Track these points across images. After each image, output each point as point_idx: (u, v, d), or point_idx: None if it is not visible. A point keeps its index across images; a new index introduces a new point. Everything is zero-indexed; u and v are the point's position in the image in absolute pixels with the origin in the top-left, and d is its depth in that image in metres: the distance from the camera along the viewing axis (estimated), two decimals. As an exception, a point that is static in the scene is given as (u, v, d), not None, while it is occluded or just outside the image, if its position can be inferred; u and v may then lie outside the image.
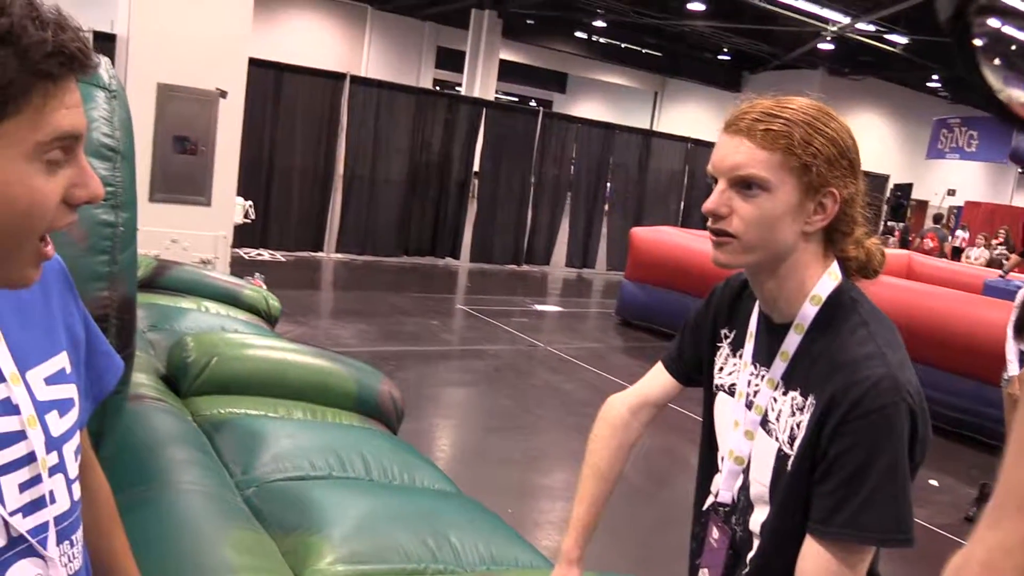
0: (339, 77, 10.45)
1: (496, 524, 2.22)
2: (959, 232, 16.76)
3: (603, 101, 25.25)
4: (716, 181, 1.17)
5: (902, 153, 20.91)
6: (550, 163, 12.37)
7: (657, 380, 1.45)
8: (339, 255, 10.74)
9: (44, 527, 0.79)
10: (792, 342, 1.19)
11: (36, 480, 0.79)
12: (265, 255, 9.92)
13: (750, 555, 1.23)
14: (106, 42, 6.43)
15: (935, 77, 18.99)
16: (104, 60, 1.73)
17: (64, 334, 0.88)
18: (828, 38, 15.73)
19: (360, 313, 7.74)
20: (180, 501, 1.80)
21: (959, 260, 13.21)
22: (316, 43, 17.80)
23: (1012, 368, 3.97)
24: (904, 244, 14.58)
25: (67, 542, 0.84)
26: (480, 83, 17.58)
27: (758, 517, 1.22)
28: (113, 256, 1.53)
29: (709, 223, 1.17)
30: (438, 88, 16.66)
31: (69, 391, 0.86)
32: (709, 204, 1.16)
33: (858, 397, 1.07)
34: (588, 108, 23.84)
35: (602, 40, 20.41)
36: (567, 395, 5.98)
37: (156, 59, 5.84)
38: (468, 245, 11.85)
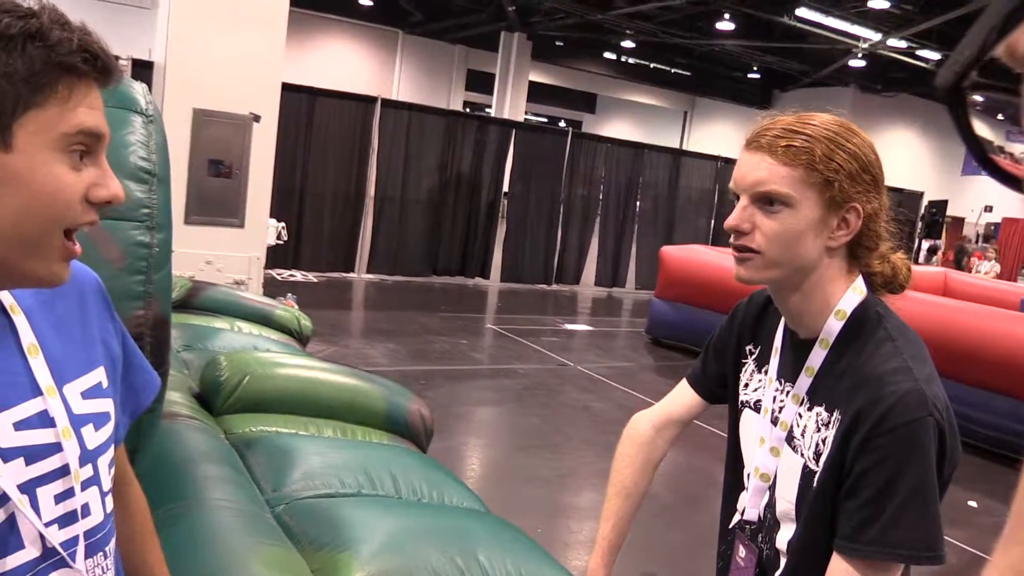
0: (370, 100, 10.59)
1: (525, 543, 2.22)
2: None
3: (633, 121, 25.27)
4: (738, 197, 1.18)
5: (937, 170, 20.63)
6: (579, 183, 12.40)
7: (682, 397, 1.45)
8: (370, 275, 10.82)
9: (75, 540, 0.81)
10: (817, 357, 1.19)
11: (69, 493, 0.81)
12: (297, 276, 10.03)
13: (777, 574, 1.22)
14: (144, 69, 6.59)
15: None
16: (142, 86, 1.78)
17: (102, 350, 0.91)
18: (859, 55, 15.62)
19: (390, 333, 7.79)
20: (212, 517, 1.83)
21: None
22: (348, 67, 18.05)
23: None
24: (959, 265, 14.16)
25: (100, 554, 0.86)
26: (510, 105, 17.70)
27: (784, 535, 1.21)
28: (148, 276, 1.57)
29: (732, 239, 1.18)
30: (468, 110, 16.79)
31: (106, 405, 0.89)
32: (731, 220, 1.17)
33: (884, 412, 1.06)
34: (618, 128, 23.86)
35: (631, 61, 20.46)
36: (597, 414, 5.95)
37: (192, 85, 5.97)
38: (498, 265, 11.89)
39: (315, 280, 10.14)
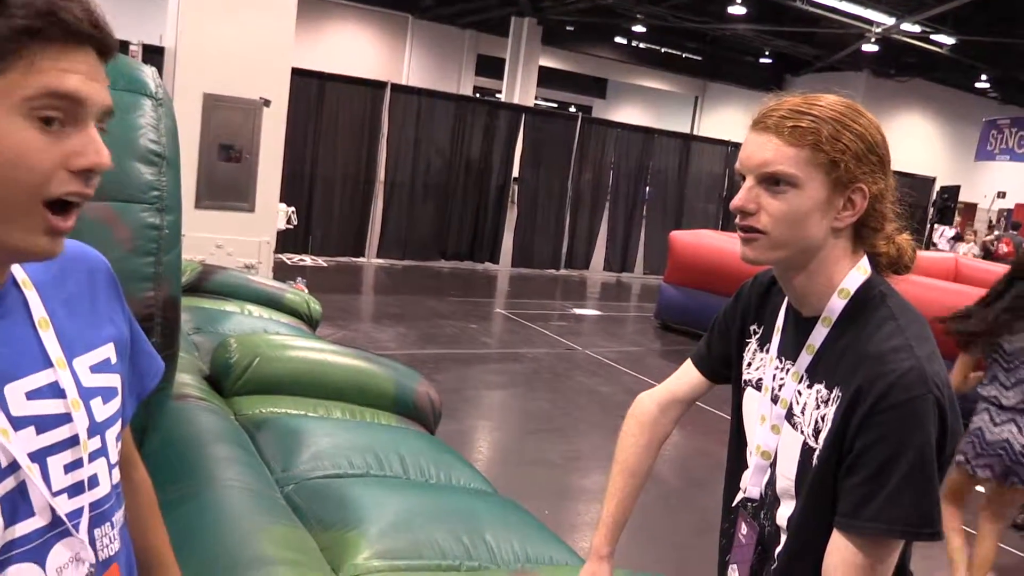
0: (380, 85, 10.59)
1: (531, 523, 2.24)
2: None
3: (643, 106, 25.14)
4: (744, 178, 1.18)
5: (949, 155, 20.47)
6: (589, 168, 12.38)
7: (686, 377, 1.46)
8: (380, 260, 10.85)
9: (80, 511, 0.83)
10: (819, 335, 1.19)
11: (78, 463, 0.83)
12: (307, 260, 10.07)
13: (778, 550, 1.23)
14: (155, 55, 6.60)
15: (984, 77, 18.56)
16: (151, 70, 1.79)
17: (110, 328, 0.93)
18: (872, 39, 15.45)
19: (399, 317, 7.82)
20: (221, 496, 1.85)
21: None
22: (358, 52, 18.01)
23: None
24: (988, 255, 13.92)
25: (108, 524, 0.87)
26: (520, 90, 17.62)
27: (784, 511, 1.22)
28: (158, 258, 1.59)
29: (737, 220, 1.18)
30: (478, 95, 16.75)
31: (113, 380, 0.90)
32: (737, 201, 1.17)
33: (885, 389, 1.07)
34: (628, 113, 23.75)
35: (642, 45, 20.33)
36: (605, 398, 5.97)
37: (202, 70, 5.99)
38: (508, 250, 11.90)
39: (325, 264, 10.17)
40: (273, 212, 6.51)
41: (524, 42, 17.67)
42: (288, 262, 9.57)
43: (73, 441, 0.82)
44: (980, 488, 4.75)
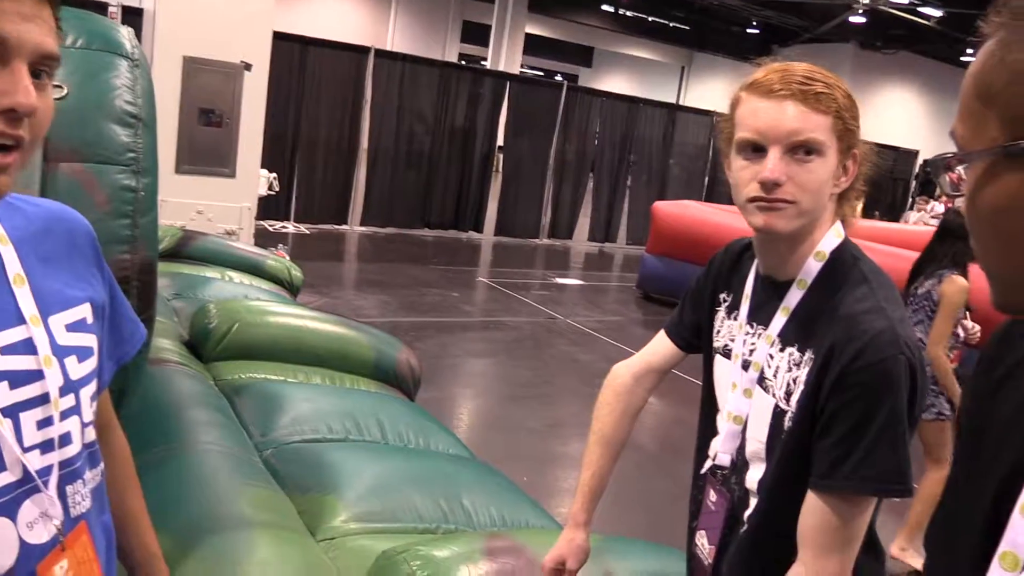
0: (363, 51, 10.46)
1: (508, 488, 2.27)
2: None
3: (630, 75, 25.01)
4: (755, 149, 1.14)
5: (933, 129, 20.53)
6: (574, 137, 12.32)
7: (660, 347, 1.48)
8: (363, 228, 10.81)
9: (49, 469, 0.83)
10: (794, 297, 1.21)
11: (49, 421, 0.83)
12: (290, 227, 10.01)
13: (747, 513, 1.25)
14: (134, 16, 6.49)
15: (970, 51, 18.58)
16: (128, 30, 1.77)
17: (88, 291, 0.93)
18: (860, 11, 15.42)
19: (382, 284, 7.81)
20: (200, 459, 1.87)
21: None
22: (341, 17, 17.77)
23: None
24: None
25: (80, 481, 0.88)
26: (505, 57, 17.47)
27: (754, 475, 1.24)
28: (134, 220, 1.58)
29: (762, 192, 1.13)
30: (463, 62, 16.59)
31: (89, 340, 0.91)
32: (773, 173, 1.12)
33: (858, 350, 1.09)
34: (615, 82, 23.64)
35: (629, 13, 20.16)
36: (586, 366, 6.01)
37: (182, 32, 5.89)
38: (492, 219, 11.88)
39: (307, 232, 10.12)
40: (254, 178, 6.46)
41: (510, 8, 17.49)
42: (270, 229, 9.51)
43: (44, 399, 0.83)
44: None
